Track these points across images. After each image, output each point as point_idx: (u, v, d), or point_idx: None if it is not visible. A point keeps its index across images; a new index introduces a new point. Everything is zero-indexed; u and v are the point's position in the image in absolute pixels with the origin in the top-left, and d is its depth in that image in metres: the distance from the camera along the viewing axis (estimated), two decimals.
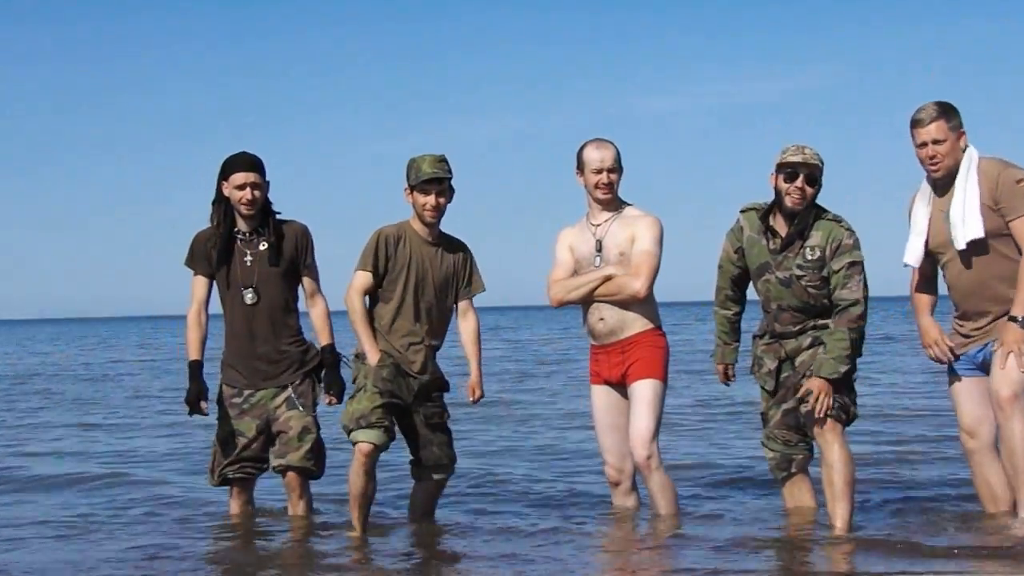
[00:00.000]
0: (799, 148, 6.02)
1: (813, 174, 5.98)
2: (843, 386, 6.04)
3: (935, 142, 5.97)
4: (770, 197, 6.14)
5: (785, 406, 6.19)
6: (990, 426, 6.10)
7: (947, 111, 6.00)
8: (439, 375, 6.45)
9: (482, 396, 6.46)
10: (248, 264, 6.37)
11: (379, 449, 6.25)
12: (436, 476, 6.52)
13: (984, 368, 6.06)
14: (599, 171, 6.40)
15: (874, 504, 7.13)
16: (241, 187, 6.32)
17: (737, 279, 6.34)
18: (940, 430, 10.40)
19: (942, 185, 6.04)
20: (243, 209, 6.34)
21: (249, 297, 6.35)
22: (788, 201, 5.99)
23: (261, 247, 6.38)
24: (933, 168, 6.00)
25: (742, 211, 6.23)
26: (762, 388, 6.33)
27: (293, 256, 6.42)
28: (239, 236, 6.40)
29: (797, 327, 6.14)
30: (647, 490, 6.45)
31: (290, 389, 6.41)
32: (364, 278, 6.33)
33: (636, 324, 6.40)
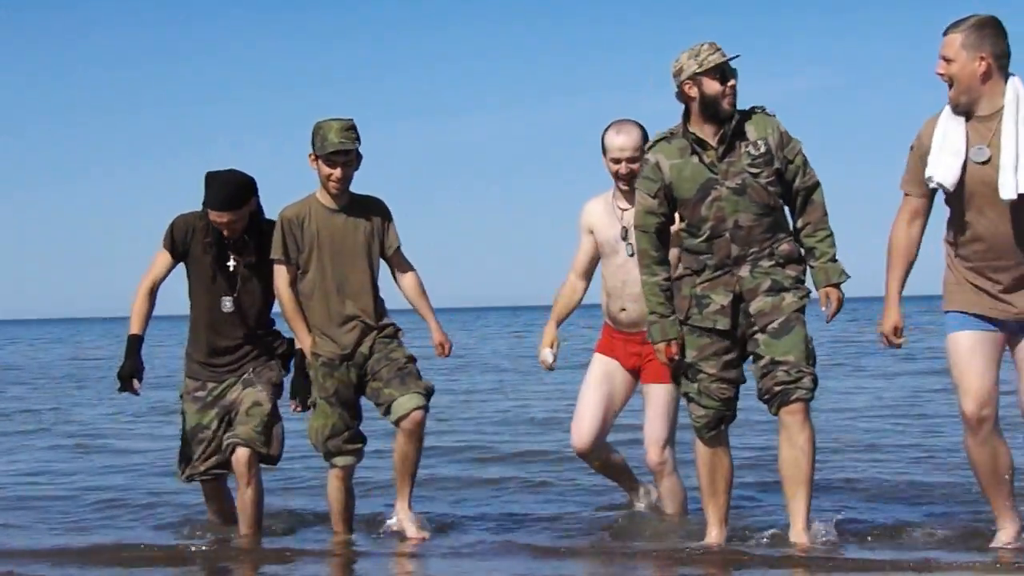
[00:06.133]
0: (713, 46, 5.47)
1: (733, 72, 5.49)
2: (812, 357, 5.50)
3: (943, 59, 5.13)
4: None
5: (728, 357, 5.53)
6: (996, 395, 5.33)
7: (975, 27, 5.08)
8: (381, 331, 6.10)
9: (451, 347, 6.23)
10: (231, 270, 6.13)
11: (354, 466, 6.17)
12: (397, 412, 6.01)
13: (1000, 327, 5.26)
14: (618, 160, 6.06)
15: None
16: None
17: (660, 233, 5.57)
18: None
19: (963, 114, 5.16)
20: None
21: (227, 305, 6.13)
22: (726, 104, 5.44)
23: (248, 258, 6.12)
24: (949, 91, 5.15)
25: (650, 147, 5.59)
26: (697, 331, 5.53)
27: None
28: (227, 240, 6.13)
29: (756, 247, 5.46)
30: (658, 490, 6.32)
31: (249, 371, 6.18)
32: (281, 270, 6.07)
33: None
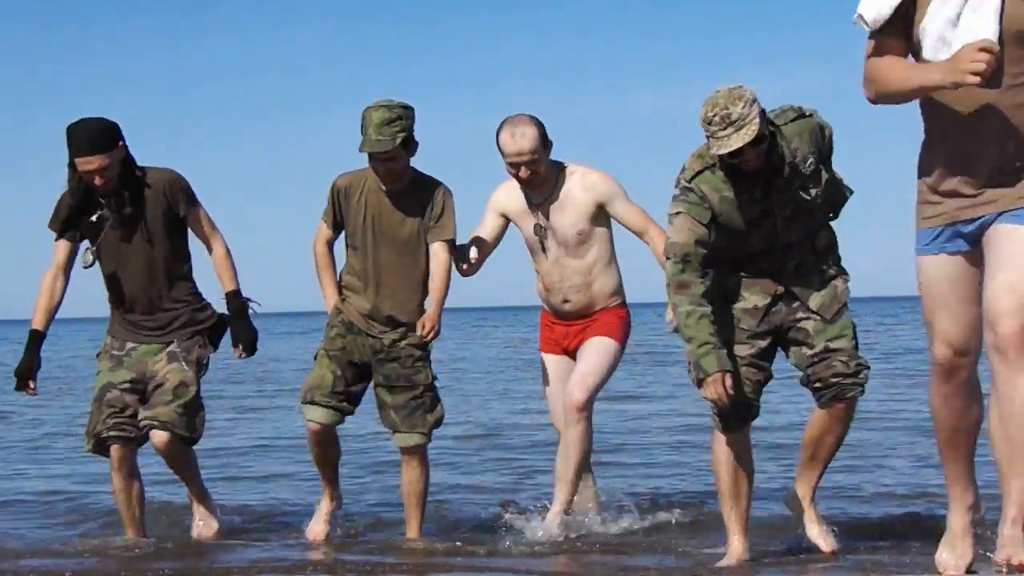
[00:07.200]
0: (723, 120, 4.61)
1: (757, 139, 4.69)
2: (857, 343, 5.10)
3: None
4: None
5: (763, 344, 5.06)
6: (978, 340, 4.22)
7: None
8: (406, 334, 5.73)
9: (435, 333, 5.63)
10: (112, 231, 5.69)
11: (329, 427, 5.75)
12: (399, 443, 5.80)
13: (975, 244, 4.17)
14: (516, 165, 5.67)
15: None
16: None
17: (706, 263, 4.97)
18: None
19: None
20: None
21: (88, 259, 5.71)
22: (746, 167, 4.80)
23: (127, 209, 5.64)
24: None
25: (693, 178, 4.89)
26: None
27: (166, 210, 5.71)
28: (102, 200, 5.68)
29: (804, 253, 5.06)
30: (561, 442, 5.85)
31: (175, 344, 5.74)
32: (322, 228, 5.84)
33: (602, 302, 5.87)
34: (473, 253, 5.83)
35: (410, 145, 5.60)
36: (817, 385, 5.07)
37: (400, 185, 5.65)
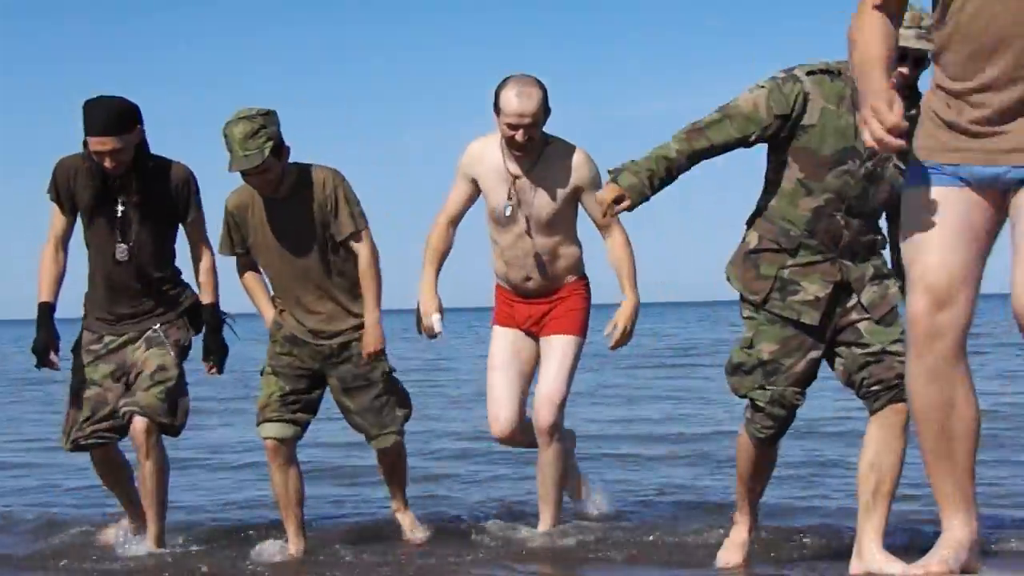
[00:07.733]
0: (912, 21, 4.39)
1: (921, 56, 4.45)
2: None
3: None
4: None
5: (814, 355, 4.74)
6: (969, 299, 3.70)
7: None
8: (352, 336, 5.55)
9: (375, 352, 5.49)
10: (119, 215, 5.54)
11: (286, 442, 5.53)
12: (374, 446, 5.70)
13: (991, 186, 3.79)
14: (515, 127, 5.34)
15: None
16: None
17: (730, 146, 4.67)
18: None
19: None
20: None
21: (122, 253, 5.55)
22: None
23: (135, 197, 5.53)
24: None
25: (811, 73, 4.60)
26: (778, 321, 4.74)
27: (173, 203, 5.56)
28: (111, 181, 5.51)
29: (862, 239, 4.70)
30: (537, 463, 5.70)
31: (152, 330, 5.58)
32: (236, 262, 5.66)
33: (564, 278, 5.67)
34: (436, 324, 5.54)
35: (280, 151, 5.37)
36: (875, 388, 4.69)
37: (284, 191, 5.44)
